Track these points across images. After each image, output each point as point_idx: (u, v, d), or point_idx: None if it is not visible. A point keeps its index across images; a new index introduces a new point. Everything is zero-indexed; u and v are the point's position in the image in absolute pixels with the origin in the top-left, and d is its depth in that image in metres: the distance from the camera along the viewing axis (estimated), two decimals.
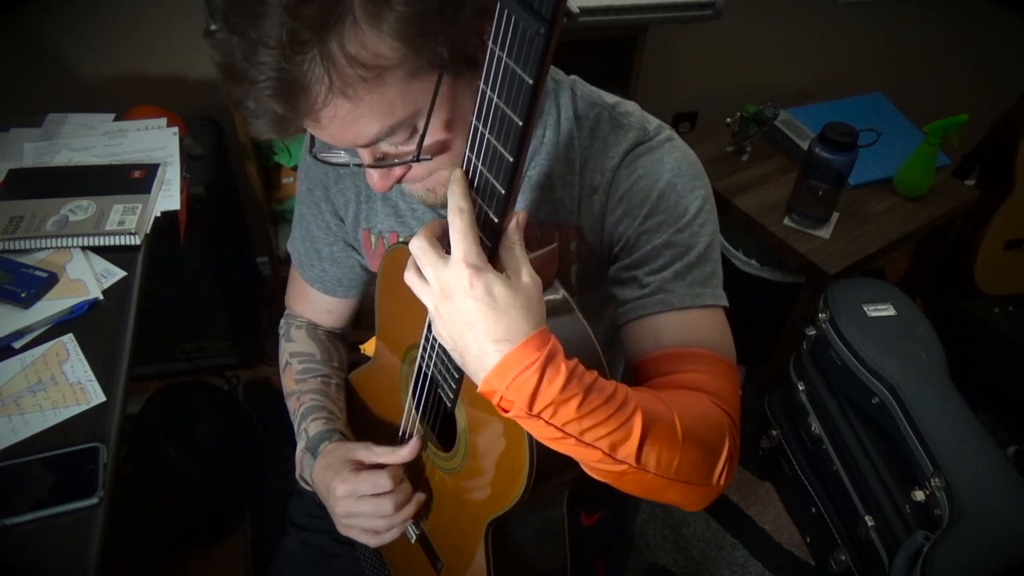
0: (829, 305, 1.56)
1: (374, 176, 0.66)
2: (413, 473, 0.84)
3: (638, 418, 0.58)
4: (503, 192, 0.54)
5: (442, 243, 0.59)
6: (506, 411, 0.56)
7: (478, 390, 0.57)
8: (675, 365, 0.72)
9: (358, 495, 0.78)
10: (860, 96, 1.99)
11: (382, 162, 0.64)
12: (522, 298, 0.56)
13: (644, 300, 0.74)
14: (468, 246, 0.55)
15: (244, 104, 0.57)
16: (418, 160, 0.63)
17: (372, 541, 0.81)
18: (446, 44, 0.56)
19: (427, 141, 0.61)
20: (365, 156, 0.65)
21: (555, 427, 0.57)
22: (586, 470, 0.63)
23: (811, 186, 1.59)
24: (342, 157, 0.71)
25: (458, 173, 0.57)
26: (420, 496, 0.81)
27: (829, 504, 1.62)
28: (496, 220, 0.56)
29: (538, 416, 0.56)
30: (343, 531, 0.82)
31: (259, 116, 0.57)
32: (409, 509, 0.80)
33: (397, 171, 0.66)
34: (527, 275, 0.57)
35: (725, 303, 0.76)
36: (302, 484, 0.91)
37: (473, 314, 0.55)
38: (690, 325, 0.73)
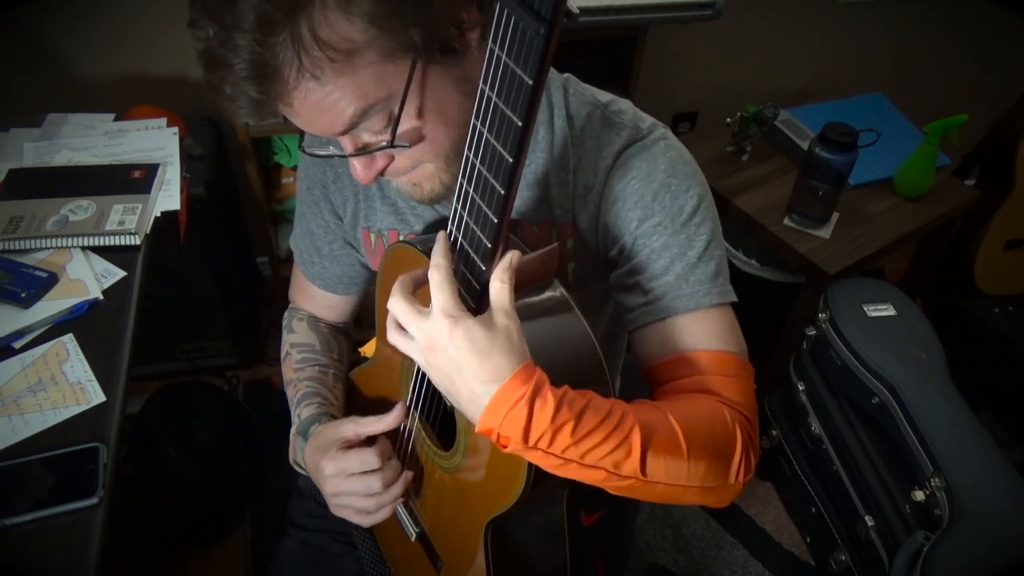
0: (829, 305, 1.56)
1: (357, 167, 0.66)
2: (412, 471, 0.84)
3: (636, 434, 0.60)
4: (502, 192, 0.54)
5: (417, 295, 0.62)
6: (505, 446, 0.59)
7: (476, 430, 0.59)
8: (683, 369, 0.72)
9: (347, 473, 0.78)
10: (860, 96, 1.99)
11: (363, 151, 0.65)
12: (501, 339, 0.58)
13: (648, 307, 0.74)
14: (446, 298, 0.58)
15: (221, 89, 0.58)
16: (392, 146, 0.63)
17: (364, 521, 0.81)
18: (418, 28, 0.57)
19: (401, 128, 0.62)
20: (347, 145, 0.65)
21: (555, 455, 0.59)
22: (600, 486, 0.64)
23: (811, 186, 1.59)
24: (330, 150, 0.71)
25: (441, 235, 0.61)
26: (408, 473, 0.81)
27: (829, 504, 1.62)
28: (496, 220, 0.56)
29: (535, 447, 0.58)
30: (335, 511, 0.82)
31: (235, 100, 0.58)
32: (398, 487, 0.80)
33: (379, 162, 0.67)
34: (504, 316, 0.59)
35: (733, 299, 0.75)
36: (296, 468, 0.91)
37: (459, 361, 0.58)
38: (696, 327, 0.73)
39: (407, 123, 0.62)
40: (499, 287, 0.59)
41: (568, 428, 0.57)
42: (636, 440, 0.60)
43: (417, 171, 0.68)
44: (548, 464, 0.60)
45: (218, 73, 0.56)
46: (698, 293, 0.73)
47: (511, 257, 0.60)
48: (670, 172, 0.74)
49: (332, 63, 0.56)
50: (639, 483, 0.61)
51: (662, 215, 0.74)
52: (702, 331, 0.73)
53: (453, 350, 0.57)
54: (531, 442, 0.57)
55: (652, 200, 0.74)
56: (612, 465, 0.60)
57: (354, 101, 0.59)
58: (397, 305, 0.61)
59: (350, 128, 0.62)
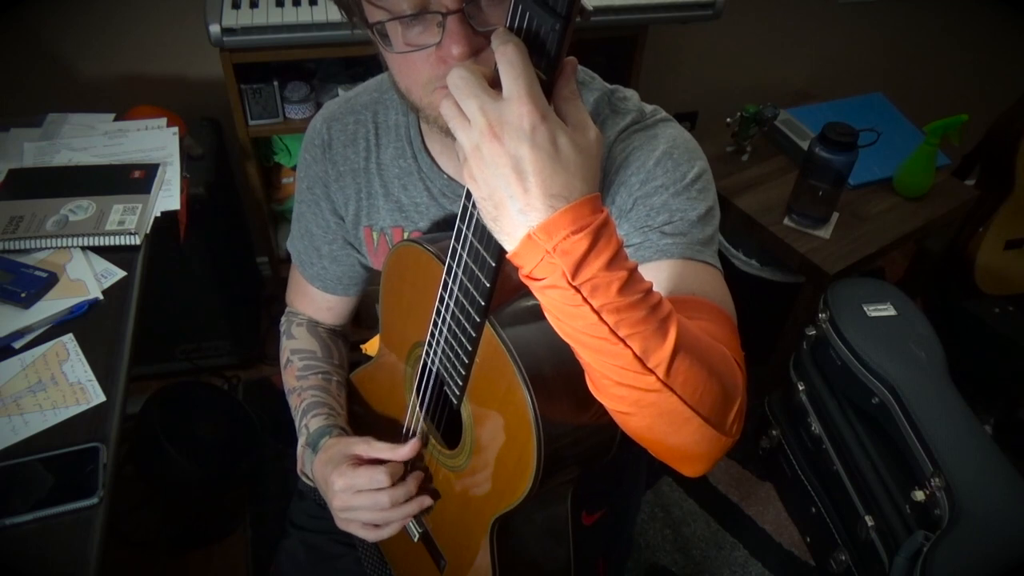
0: (829, 305, 1.56)
1: (456, 32, 0.59)
2: (417, 472, 0.84)
3: (673, 324, 0.53)
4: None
5: None
6: (537, 280, 0.50)
7: (510, 253, 0.51)
8: (680, 309, 0.61)
9: (355, 489, 0.78)
10: (860, 96, 1.99)
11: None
12: (584, 156, 0.49)
13: (642, 251, 0.71)
14: (532, 82, 0.47)
15: None
16: None
17: (371, 536, 0.82)
18: None
19: None
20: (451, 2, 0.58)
21: (591, 307, 0.50)
22: (601, 394, 0.57)
23: (811, 186, 1.59)
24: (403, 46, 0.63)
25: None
26: (426, 499, 0.81)
27: (829, 504, 1.62)
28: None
29: (577, 289, 0.49)
30: (341, 525, 0.82)
31: None
32: (409, 507, 0.80)
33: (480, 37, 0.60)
34: (593, 132, 0.51)
35: (722, 273, 0.73)
36: (303, 479, 0.91)
37: (526, 162, 0.47)
38: (692, 275, 0.70)
39: None
40: (579, 102, 0.50)
41: (617, 284, 0.49)
42: (673, 330, 0.52)
43: None
44: (576, 318, 0.51)
45: None
46: (694, 246, 0.71)
47: (567, 67, 0.51)
48: (671, 145, 0.75)
49: None
50: (656, 385, 0.53)
51: (664, 179, 0.74)
52: (699, 281, 0.69)
53: (527, 148, 0.47)
54: (579, 280, 0.49)
55: (654, 166, 0.74)
56: (641, 348, 0.51)
57: None
58: (462, 72, 0.49)
59: None
